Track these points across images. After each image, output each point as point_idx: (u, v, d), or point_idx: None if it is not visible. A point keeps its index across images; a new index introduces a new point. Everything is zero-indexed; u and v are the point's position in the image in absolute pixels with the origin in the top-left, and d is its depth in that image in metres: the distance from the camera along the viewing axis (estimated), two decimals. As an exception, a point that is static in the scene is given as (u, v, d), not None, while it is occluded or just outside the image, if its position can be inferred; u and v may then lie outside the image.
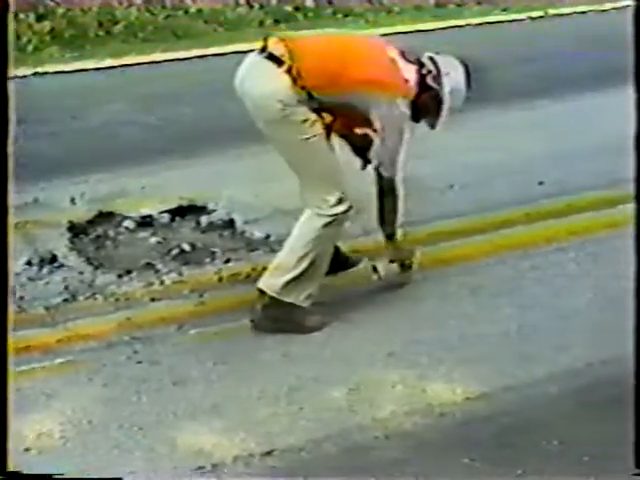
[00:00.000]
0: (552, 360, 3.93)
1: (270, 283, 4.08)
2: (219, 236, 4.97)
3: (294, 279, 4.04)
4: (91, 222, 5.03)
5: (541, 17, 9.20)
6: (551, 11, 9.30)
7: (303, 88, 3.87)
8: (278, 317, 4.07)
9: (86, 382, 3.79)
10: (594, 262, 4.69)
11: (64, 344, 4.02)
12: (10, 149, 2.87)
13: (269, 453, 3.41)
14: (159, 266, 4.63)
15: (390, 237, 4.31)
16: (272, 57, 3.91)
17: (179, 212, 5.14)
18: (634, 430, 3.07)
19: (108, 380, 3.81)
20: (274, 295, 4.06)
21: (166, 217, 5.09)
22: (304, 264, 4.03)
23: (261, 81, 3.95)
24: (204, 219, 5.08)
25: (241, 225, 5.02)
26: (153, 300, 4.37)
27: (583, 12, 9.36)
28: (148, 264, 4.65)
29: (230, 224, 5.04)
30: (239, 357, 3.96)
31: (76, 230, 4.93)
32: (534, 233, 4.97)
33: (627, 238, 4.89)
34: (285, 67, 3.88)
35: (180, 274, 4.57)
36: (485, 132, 6.15)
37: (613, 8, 9.38)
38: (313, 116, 3.93)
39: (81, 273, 4.55)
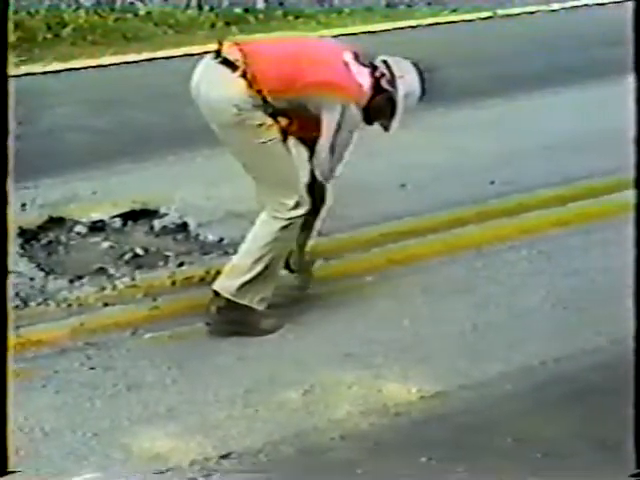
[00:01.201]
0: (506, 358, 3.96)
1: (225, 285, 4.08)
2: (172, 240, 4.95)
3: (249, 281, 4.03)
4: (42, 227, 4.98)
5: (490, 17, 9.27)
6: (500, 12, 9.38)
7: (258, 92, 3.87)
8: (233, 319, 4.07)
9: (39, 389, 3.75)
10: (546, 260, 4.73)
11: (16, 351, 3.96)
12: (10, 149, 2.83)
13: (226, 456, 3.40)
14: (112, 271, 4.60)
15: (301, 245, 4.28)
16: (226, 62, 3.91)
17: (131, 216, 5.10)
18: (634, 430, 3.09)
19: (61, 387, 3.77)
20: (229, 297, 4.06)
21: (118, 221, 5.05)
22: (259, 267, 4.02)
23: (216, 86, 3.94)
24: (157, 223, 5.05)
25: (194, 228, 5.00)
26: (106, 305, 4.34)
27: (532, 12, 9.44)
28: (100, 269, 4.61)
29: (183, 227, 5.02)
30: (194, 361, 3.94)
31: (27, 236, 4.88)
32: (486, 232, 5.00)
33: (578, 235, 4.96)
34: (239, 72, 3.87)
35: (133, 278, 4.54)
36: (436, 132, 6.18)
37: (562, 8, 9.48)
38: (269, 120, 3.93)
39: (32, 279, 4.51)
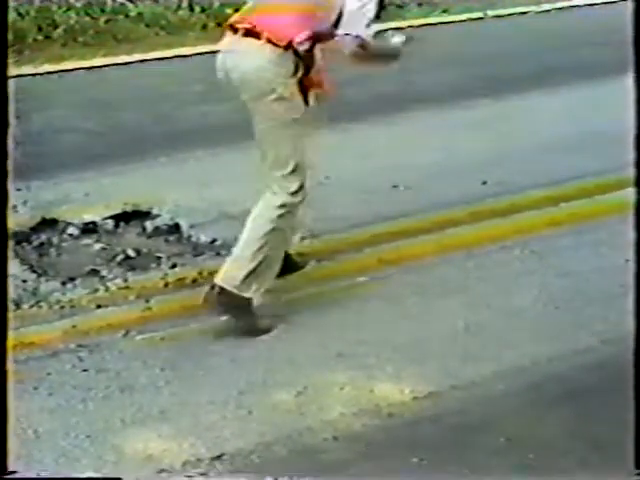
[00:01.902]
0: (498, 358, 3.96)
1: (229, 277, 4.07)
2: (165, 241, 4.94)
3: (253, 271, 4.04)
4: (34, 229, 4.97)
5: (481, 18, 9.28)
6: (491, 12, 9.38)
7: (287, 48, 3.90)
8: (230, 309, 4.06)
9: (31, 391, 3.75)
10: (538, 260, 4.74)
11: (8, 353, 3.97)
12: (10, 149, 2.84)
13: (219, 457, 3.40)
14: (104, 272, 4.59)
15: None
16: (249, 33, 3.95)
17: (124, 218, 5.10)
18: (634, 430, 3.10)
19: (54, 389, 3.77)
20: (234, 290, 4.05)
21: (110, 223, 5.05)
22: (260, 256, 4.04)
23: (245, 55, 3.98)
24: (149, 224, 5.05)
25: (187, 230, 4.99)
26: (99, 307, 4.33)
27: (523, 13, 9.46)
28: (93, 271, 4.61)
29: (176, 229, 5.02)
30: (187, 362, 3.94)
31: (19, 237, 4.87)
32: (478, 232, 5.01)
33: (570, 235, 4.97)
34: (264, 38, 3.91)
35: (126, 280, 4.53)
36: (428, 132, 6.18)
37: (553, 9, 9.49)
38: (298, 97, 3.96)
39: (24, 281, 4.50)
